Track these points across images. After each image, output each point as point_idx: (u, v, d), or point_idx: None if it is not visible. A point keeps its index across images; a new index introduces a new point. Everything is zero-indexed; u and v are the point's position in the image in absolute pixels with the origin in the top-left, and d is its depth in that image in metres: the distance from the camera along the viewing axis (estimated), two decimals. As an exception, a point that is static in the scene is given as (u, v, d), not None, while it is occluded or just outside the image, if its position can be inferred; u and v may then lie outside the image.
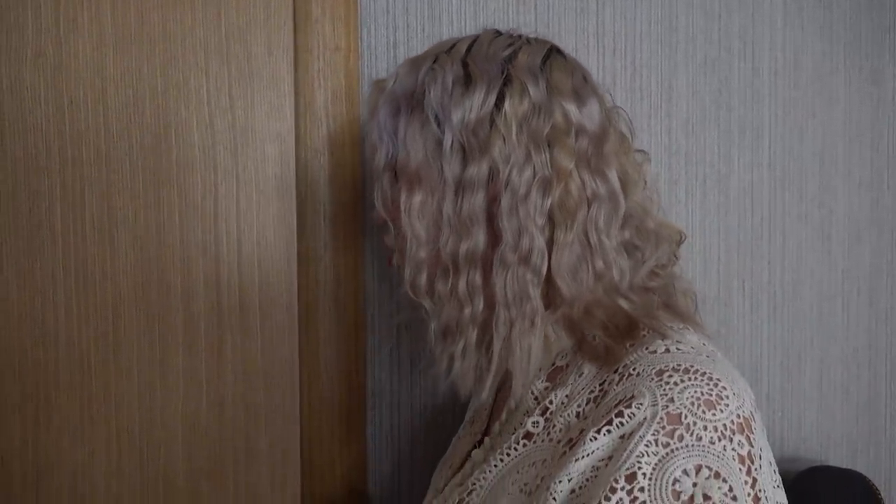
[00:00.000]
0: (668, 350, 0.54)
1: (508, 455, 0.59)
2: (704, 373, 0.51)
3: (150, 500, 0.71)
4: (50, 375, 0.69)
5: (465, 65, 0.61)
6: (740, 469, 0.49)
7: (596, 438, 0.51)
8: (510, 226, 0.58)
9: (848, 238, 1.15)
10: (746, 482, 0.49)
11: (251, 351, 0.72)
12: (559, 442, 0.56)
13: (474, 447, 0.69)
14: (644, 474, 0.48)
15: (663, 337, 0.56)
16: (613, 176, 0.60)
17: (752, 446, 0.50)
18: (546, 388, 0.61)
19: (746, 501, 0.48)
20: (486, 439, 0.65)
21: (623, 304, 0.59)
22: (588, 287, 0.59)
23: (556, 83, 0.60)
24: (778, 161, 1.11)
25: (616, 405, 0.52)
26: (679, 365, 0.52)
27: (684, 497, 0.47)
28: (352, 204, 0.89)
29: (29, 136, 0.68)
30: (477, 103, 0.59)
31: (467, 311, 0.60)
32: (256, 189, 0.72)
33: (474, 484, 0.60)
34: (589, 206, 0.59)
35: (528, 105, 0.59)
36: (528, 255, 0.58)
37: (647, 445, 0.49)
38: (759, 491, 0.49)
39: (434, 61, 0.63)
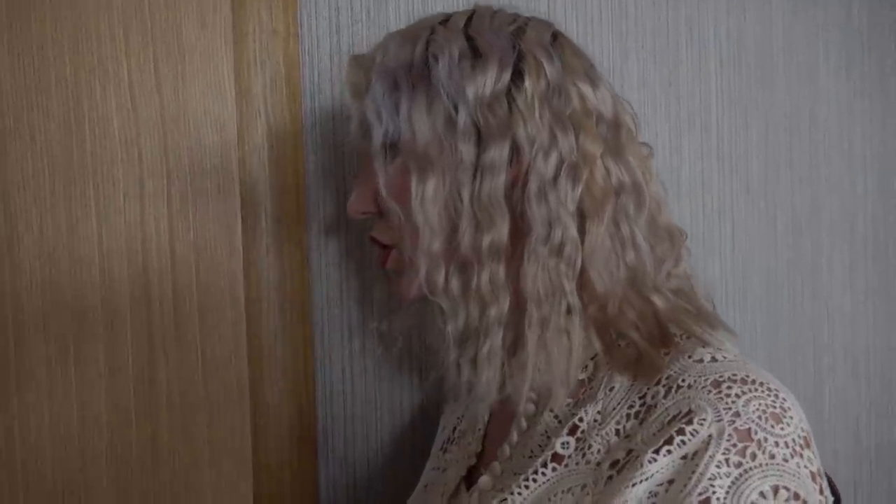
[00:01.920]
0: (714, 359, 0.49)
1: (535, 481, 0.52)
2: (762, 382, 0.47)
3: (71, 563, 0.59)
4: (-65, 421, 0.56)
5: (469, 38, 0.55)
6: (814, 487, 0.44)
7: (655, 460, 0.45)
8: (539, 214, 0.52)
9: (792, 230, 1.15)
10: (820, 501, 0.44)
11: (190, 377, 0.62)
12: (599, 464, 0.49)
13: (470, 471, 0.61)
14: (718, 499, 0.43)
15: (703, 343, 0.51)
16: (635, 165, 0.55)
17: (818, 462, 0.46)
18: (569, 405, 0.54)
19: None
20: (495, 463, 0.57)
21: (657, 301, 0.53)
22: (620, 282, 0.53)
23: (569, 63, 0.56)
24: (726, 152, 1.09)
25: (670, 421, 0.46)
26: (735, 375, 0.47)
27: None
28: (295, 204, 0.80)
29: None
30: (491, 79, 0.53)
31: (493, 310, 0.53)
32: (191, 185, 0.62)
33: None
34: (617, 196, 0.54)
35: (545, 83, 0.54)
36: (561, 246, 0.52)
37: (717, 466, 0.43)
38: None
39: (431, 33, 0.56)
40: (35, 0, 0.57)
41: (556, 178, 0.52)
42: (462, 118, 0.53)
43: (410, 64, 0.55)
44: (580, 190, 0.53)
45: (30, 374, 0.57)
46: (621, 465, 0.48)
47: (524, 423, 0.56)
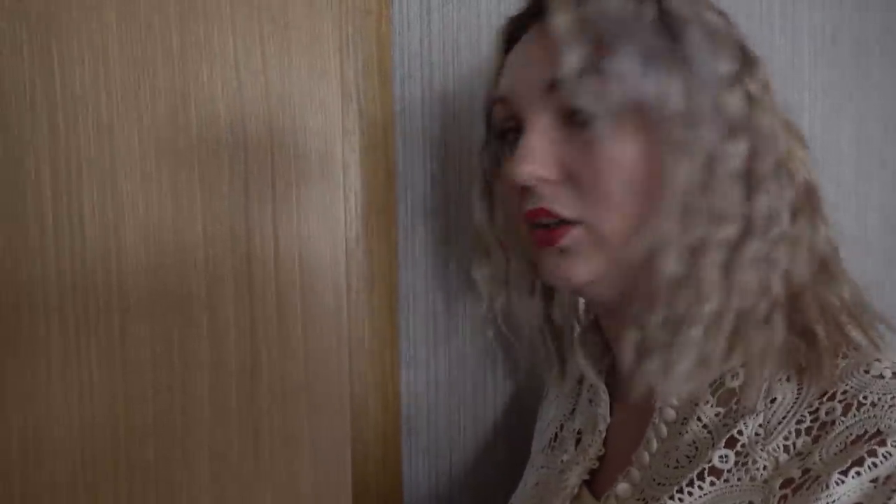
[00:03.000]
0: (894, 375, 0.46)
1: (690, 494, 0.49)
2: None
3: (170, 556, 0.57)
4: (40, 401, 0.55)
5: (711, 7, 0.54)
6: None
7: (842, 482, 0.42)
8: (762, 212, 0.51)
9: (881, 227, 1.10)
10: None
11: (291, 369, 0.60)
12: (766, 482, 0.46)
13: (591, 474, 0.58)
14: None
15: (878, 355, 0.47)
16: None
17: None
18: (719, 415, 0.51)
19: None
20: (632, 469, 0.54)
21: (845, 295, 0.51)
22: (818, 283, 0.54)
23: None
24: (817, 146, 1.04)
25: (856, 441, 0.44)
26: None
27: None
28: (384, 192, 0.77)
29: (10, 100, 0.54)
30: (733, 61, 0.52)
31: (706, 306, 0.50)
32: (295, 170, 0.59)
33: None
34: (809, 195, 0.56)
35: (767, 80, 0.54)
36: (776, 242, 0.52)
37: None
38: None
39: None
40: (143, -25, 0.55)
41: (777, 169, 0.52)
42: (714, 93, 0.50)
43: (653, 19, 0.51)
44: (791, 193, 0.53)
45: (135, 361, 0.56)
46: (797, 485, 0.45)
47: (664, 430, 0.53)
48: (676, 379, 0.50)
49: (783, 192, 0.52)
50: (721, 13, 0.54)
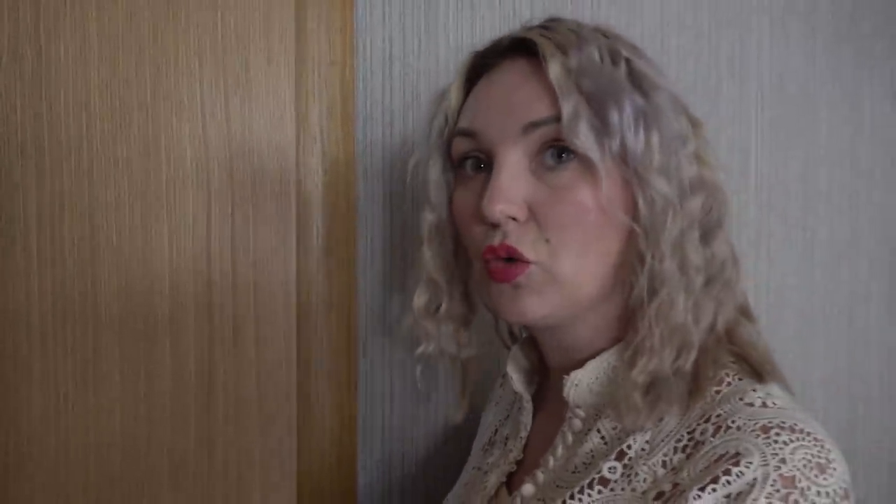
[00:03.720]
0: (765, 404, 0.52)
1: (580, 500, 0.55)
2: (810, 433, 0.49)
3: (132, 550, 0.64)
4: (22, 413, 0.62)
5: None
6: None
7: (699, 497, 0.48)
8: (717, 252, 0.61)
9: (829, 261, 1.16)
10: None
11: (245, 385, 0.67)
12: (644, 493, 0.52)
13: (509, 476, 0.65)
14: None
15: (754, 388, 0.54)
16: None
17: None
18: (615, 429, 0.57)
19: None
20: (538, 472, 0.61)
21: (745, 335, 0.58)
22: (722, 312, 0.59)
23: None
24: (764, 183, 1.11)
25: (717, 461, 0.49)
26: (784, 422, 0.50)
27: None
28: (345, 224, 0.85)
29: (4, 146, 0.62)
30: (683, 116, 0.61)
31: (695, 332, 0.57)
32: (253, 208, 0.67)
33: None
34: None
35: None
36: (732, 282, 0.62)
37: None
38: None
39: (627, 54, 0.58)
40: (123, 35, 0.63)
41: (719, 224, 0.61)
42: (679, 147, 0.57)
43: (630, 81, 0.56)
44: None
45: (106, 376, 0.63)
46: (666, 498, 0.50)
47: (570, 438, 0.60)
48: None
49: (725, 241, 0.59)
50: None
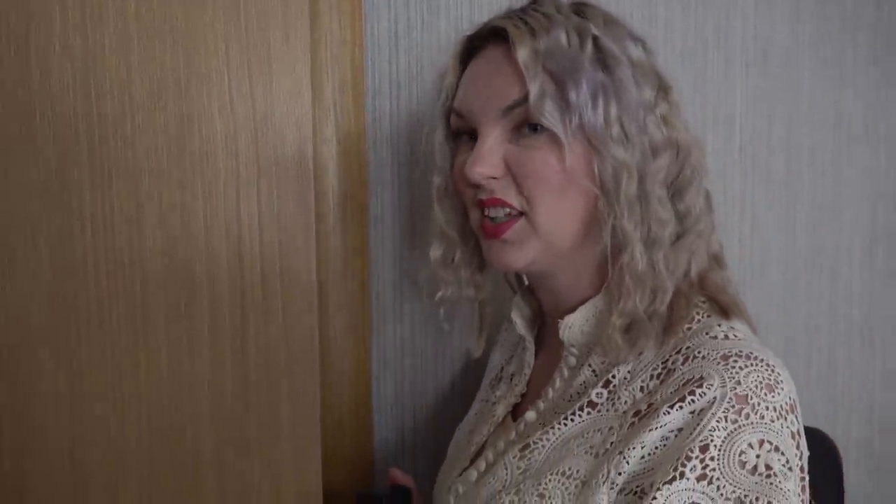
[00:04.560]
0: (727, 336, 0.61)
1: (572, 420, 0.65)
2: (762, 359, 0.58)
3: (180, 471, 0.74)
4: (82, 356, 0.72)
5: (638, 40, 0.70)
6: (792, 444, 0.56)
7: (668, 413, 0.57)
8: (683, 207, 0.69)
9: (811, 219, 1.23)
10: (796, 454, 0.56)
11: (273, 330, 0.76)
12: (625, 413, 0.62)
13: (515, 406, 0.75)
14: (715, 446, 0.55)
15: (719, 323, 0.62)
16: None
17: (799, 425, 0.57)
18: (603, 363, 0.66)
19: (796, 471, 0.55)
20: (539, 402, 0.70)
21: (717, 280, 0.66)
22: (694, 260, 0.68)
23: None
24: (748, 147, 1.18)
25: (685, 384, 0.58)
26: (741, 351, 0.59)
27: (748, 466, 0.54)
28: (358, 189, 0.93)
29: (58, 125, 0.71)
30: (651, 84, 0.69)
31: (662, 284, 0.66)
32: (276, 174, 0.76)
33: (536, 443, 0.66)
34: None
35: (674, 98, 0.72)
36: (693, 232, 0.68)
37: (717, 421, 0.55)
38: (804, 462, 0.56)
39: (595, 32, 0.66)
40: (158, 24, 0.72)
41: (692, 179, 0.69)
42: (642, 117, 0.64)
43: (593, 57, 0.64)
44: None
45: (153, 322, 0.73)
46: (642, 415, 0.60)
47: (566, 372, 0.69)
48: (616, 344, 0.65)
49: (699, 196, 0.66)
50: (643, 44, 0.68)
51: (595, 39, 0.64)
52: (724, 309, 0.65)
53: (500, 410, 0.75)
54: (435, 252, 0.81)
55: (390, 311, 0.96)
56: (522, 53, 0.63)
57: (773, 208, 1.19)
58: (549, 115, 0.63)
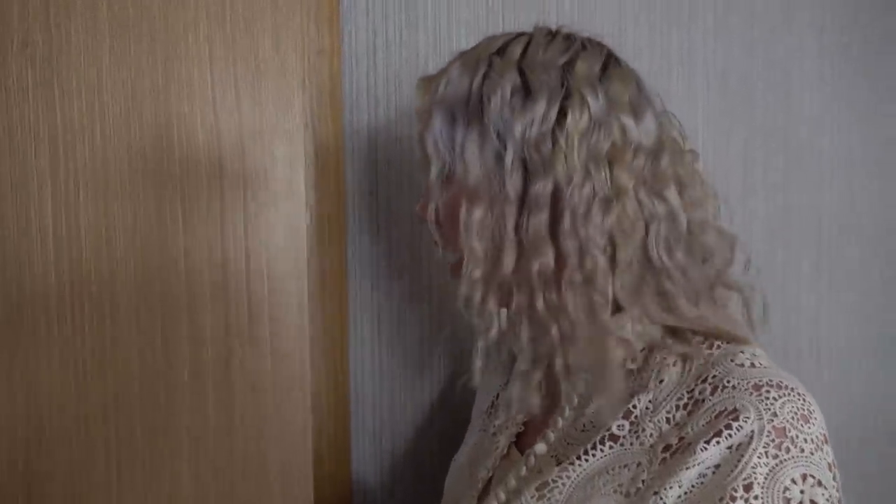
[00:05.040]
0: (753, 364, 0.58)
1: (593, 455, 0.61)
2: (793, 388, 0.56)
3: (155, 525, 0.66)
4: (42, 397, 0.63)
5: (521, 72, 0.61)
6: (830, 476, 0.54)
7: (706, 449, 0.54)
8: (573, 245, 0.59)
9: (765, 236, 1.26)
10: (834, 486, 0.54)
11: (261, 363, 0.69)
12: (652, 447, 0.58)
13: (517, 437, 0.70)
14: (759, 484, 0.52)
15: (741, 349, 0.60)
16: (672, 193, 0.62)
17: (832, 455, 0.56)
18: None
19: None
20: (548, 432, 0.66)
21: (693, 321, 0.62)
22: (656, 306, 0.61)
23: (614, 95, 0.61)
24: (709, 163, 1.20)
25: (717, 416, 0.56)
26: (772, 381, 0.56)
27: (794, 503, 0.52)
28: (335, 207, 0.88)
29: (15, 132, 0.62)
30: (538, 117, 0.59)
31: (554, 330, 0.60)
32: (266, 191, 0.69)
33: (555, 480, 0.61)
34: (647, 227, 0.60)
35: (587, 120, 0.59)
36: (591, 275, 0.59)
37: (759, 457, 0.53)
38: (840, 494, 0.55)
39: (489, 66, 0.62)
40: (133, 20, 0.64)
41: (587, 211, 0.59)
42: (509, 156, 0.59)
43: (468, 98, 0.62)
44: (610, 222, 0.59)
45: (124, 360, 0.65)
46: (674, 450, 0.57)
47: (575, 400, 0.65)
48: (569, 394, 0.64)
49: (592, 233, 0.58)
50: (555, 69, 0.61)
51: (485, 76, 0.62)
52: (736, 337, 0.63)
53: (503, 441, 0.71)
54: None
55: (368, 337, 0.91)
56: (417, 102, 0.66)
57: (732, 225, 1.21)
58: (422, 162, 0.65)
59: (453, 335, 0.88)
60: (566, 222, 0.59)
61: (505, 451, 0.70)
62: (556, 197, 0.60)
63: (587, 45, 0.64)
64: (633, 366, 0.64)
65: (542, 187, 0.59)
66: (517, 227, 0.60)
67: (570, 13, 1.05)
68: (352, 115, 0.89)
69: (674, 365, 0.62)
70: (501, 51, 0.64)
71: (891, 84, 1.39)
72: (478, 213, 0.60)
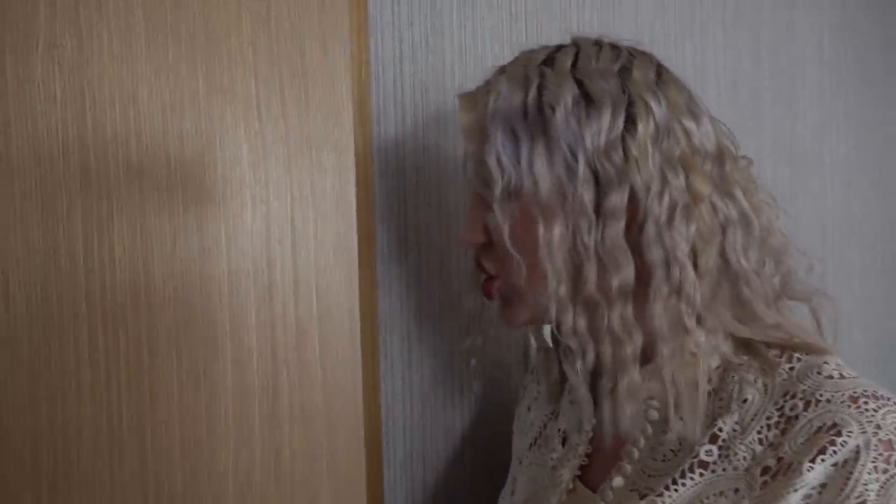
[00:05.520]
0: (842, 375, 0.56)
1: (683, 485, 0.57)
2: (889, 398, 0.54)
3: (198, 575, 0.60)
4: (70, 434, 0.57)
5: (578, 82, 0.59)
6: None
7: (812, 469, 0.52)
8: (658, 255, 0.57)
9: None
10: None
11: (310, 391, 0.64)
12: (747, 470, 0.55)
13: (581, 471, 0.66)
14: (871, 501, 0.50)
15: (825, 360, 0.57)
16: (741, 195, 0.61)
17: None
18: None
19: None
20: (625, 465, 0.62)
21: (770, 329, 0.60)
22: (731, 316, 0.59)
23: (673, 100, 0.60)
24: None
25: (817, 433, 0.53)
26: (867, 391, 0.54)
27: None
28: (366, 223, 0.83)
29: (41, 142, 0.56)
30: (605, 126, 0.57)
31: (629, 348, 0.58)
32: (313, 206, 0.65)
33: None
34: (724, 232, 0.59)
35: (654, 127, 0.58)
36: (680, 285, 0.57)
37: (869, 473, 0.51)
38: None
39: (541, 77, 0.60)
40: (171, 23, 0.59)
41: (670, 219, 0.57)
42: (581, 166, 0.57)
43: (525, 111, 0.59)
44: (693, 229, 0.57)
45: (164, 389, 0.59)
46: (774, 472, 0.54)
47: (649, 428, 0.62)
48: (634, 418, 0.59)
49: (677, 241, 0.56)
50: (612, 76, 0.58)
51: (540, 88, 0.60)
52: (815, 346, 0.61)
53: (566, 475, 0.67)
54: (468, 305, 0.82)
55: (398, 363, 0.86)
56: (462, 118, 0.65)
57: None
58: (478, 181, 0.64)
59: (484, 357, 0.83)
60: (649, 231, 0.57)
61: (570, 486, 0.66)
62: (633, 206, 0.58)
63: (634, 53, 0.63)
64: (709, 386, 0.61)
65: (619, 197, 0.57)
66: (596, 240, 0.57)
67: (590, 20, 1.03)
68: (379, 125, 0.84)
69: (755, 382, 0.59)
70: (549, 62, 0.62)
71: (889, 91, 1.42)
72: (557, 229, 0.58)
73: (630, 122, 0.57)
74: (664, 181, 0.57)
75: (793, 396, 0.57)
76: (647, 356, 0.59)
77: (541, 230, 0.58)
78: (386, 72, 0.85)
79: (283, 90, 0.63)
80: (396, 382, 0.86)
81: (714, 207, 0.59)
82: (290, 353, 0.63)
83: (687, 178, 0.58)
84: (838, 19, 1.35)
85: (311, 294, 0.64)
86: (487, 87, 0.64)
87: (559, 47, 0.64)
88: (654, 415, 0.62)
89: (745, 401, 0.59)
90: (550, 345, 0.76)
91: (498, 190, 0.60)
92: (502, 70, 0.65)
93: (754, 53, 1.22)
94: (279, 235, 0.63)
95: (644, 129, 0.57)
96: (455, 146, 0.91)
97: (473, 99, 0.64)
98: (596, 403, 0.70)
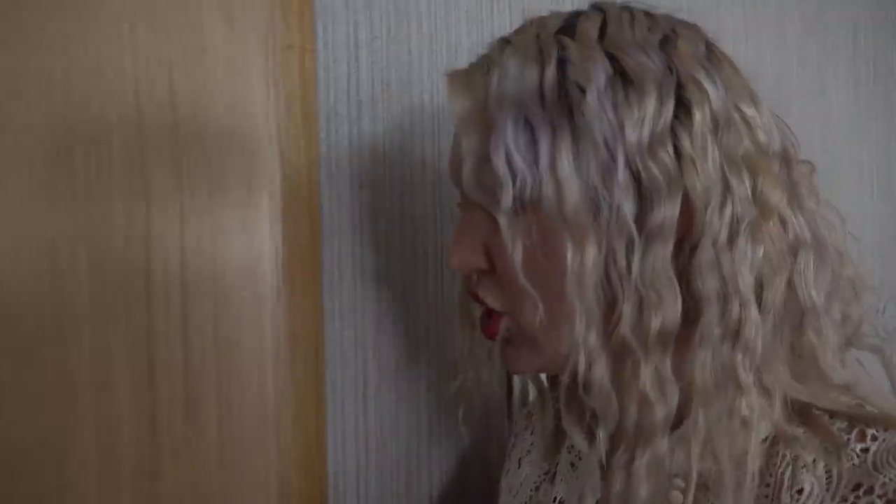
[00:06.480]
0: None
1: None
2: None
3: None
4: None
5: (611, 57, 0.44)
6: None
7: None
8: (713, 287, 0.42)
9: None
10: None
11: (204, 457, 0.51)
12: None
13: None
14: None
15: None
16: (815, 210, 0.46)
17: None
18: None
19: None
20: None
21: (835, 392, 0.45)
22: (788, 370, 0.44)
23: (731, 83, 0.45)
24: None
25: None
26: None
27: None
28: (308, 243, 0.70)
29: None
30: (650, 114, 0.42)
31: (660, 411, 0.43)
32: (210, 218, 0.51)
33: None
34: (795, 256, 0.45)
35: (710, 115, 0.43)
36: (739, 327, 0.42)
37: None
38: None
39: (561, 49, 0.44)
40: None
41: (731, 239, 0.42)
42: (620, 167, 0.42)
43: (542, 95, 0.44)
44: (760, 253, 0.43)
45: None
46: None
47: None
48: (651, 499, 0.44)
49: (740, 268, 0.42)
50: (654, 50, 0.45)
51: (561, 63, 0.44)
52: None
53: None
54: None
55: (351, 405, 0.72)
56: (454, 105, 0.47)
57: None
58: (479, 192, 0.47)
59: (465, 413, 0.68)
60: (705, 255, 0.42)
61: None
62: (684, 222, 0.43)
63: (677, 22, 0.48)
64: (753, 466, 0.45)
65: (669, 210, 0.42)
66: (634, 267, 0.42)
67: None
68: (328, 125, 0.71)
69: (814, 465, 0.43)
70: (569, 31, 0.46)
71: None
72: (591, 252, 0.42)
73: (681, 110, 0.43)
74: (727, 189, 0.42)
75: (868, 492, 0.41)
76: (678, 417, 0.44)
77: (568, 254, 0.43)
78: (338, 63, 0.72)
79: (171, 74, 0.51)
80: (348, 431, 0.72)
81: (784, 224, 0.45)
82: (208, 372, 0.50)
83: (754, 183, 0.43)
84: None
85: (209, 329, 0.51)
86: (488, 64, 0.48)
87: (578, 13, 0.48)
88: (679, 498, 0.47)
89: (799, 491, 0.43)
90: (546, 384, 0.61)
91: (508, 199, 0.44)
92: (506, 41, 0.49)
93: (780, 42, 1.09)
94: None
95: (701, 117, 0.42)
96: (423, 151, 0.77)
97: (469, 79, 0.48)
98: (604, 468, 0.54)
